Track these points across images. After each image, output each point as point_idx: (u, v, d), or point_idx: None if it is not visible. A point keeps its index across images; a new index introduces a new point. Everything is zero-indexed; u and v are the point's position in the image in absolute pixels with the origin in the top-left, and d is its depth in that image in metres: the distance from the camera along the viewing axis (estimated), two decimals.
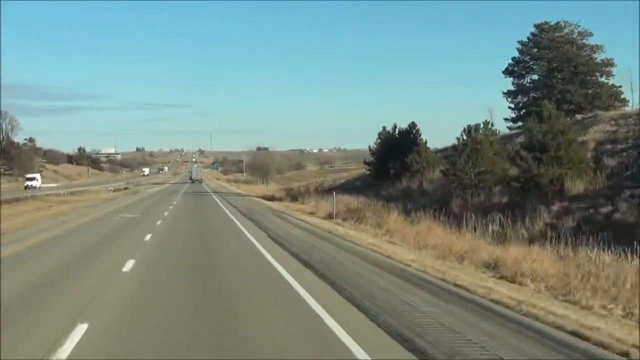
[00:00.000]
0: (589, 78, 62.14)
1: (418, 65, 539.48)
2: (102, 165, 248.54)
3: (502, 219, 28.49)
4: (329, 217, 36.34)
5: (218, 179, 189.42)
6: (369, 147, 62.31)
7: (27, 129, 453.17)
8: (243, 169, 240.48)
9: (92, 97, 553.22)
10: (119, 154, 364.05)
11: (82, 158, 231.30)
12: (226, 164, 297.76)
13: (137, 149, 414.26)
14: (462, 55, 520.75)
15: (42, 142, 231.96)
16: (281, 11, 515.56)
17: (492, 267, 16.91)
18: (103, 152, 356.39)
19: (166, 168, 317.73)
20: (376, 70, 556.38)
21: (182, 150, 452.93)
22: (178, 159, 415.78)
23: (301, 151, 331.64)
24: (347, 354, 8.48)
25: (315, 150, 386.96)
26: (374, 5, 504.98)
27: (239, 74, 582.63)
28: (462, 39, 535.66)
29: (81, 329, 9.76)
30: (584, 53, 63.73)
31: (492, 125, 43.23)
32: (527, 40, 66.41)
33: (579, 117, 51.56)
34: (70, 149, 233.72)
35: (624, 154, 37.72)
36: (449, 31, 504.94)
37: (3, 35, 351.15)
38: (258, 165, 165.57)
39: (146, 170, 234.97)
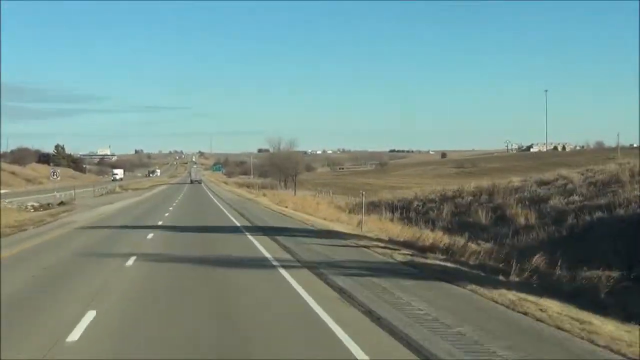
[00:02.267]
0: None
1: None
2: (85, 166, 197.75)
3: None
4: None
5: (225, 183, 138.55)
6: None
7: (25, 132, 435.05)
8: (251, 171, 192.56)
9: (91, 99, 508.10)
10: (114, 155, 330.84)
11: (59, 158, 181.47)
12: (228, 165, 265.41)
13: (136, 151, 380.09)
14: None
15: (40, 145, 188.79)
16: (281, 11, 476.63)
17: None
18: (98, 153, 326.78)
19: (158, 170, 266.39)
20: (380, 71, 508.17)
21: (181, 152, 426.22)
22: (176, 161, 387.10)
23: (304, 152, 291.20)
24: None
25: (319, 152, 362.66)
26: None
27: (239, 76, 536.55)
28: None
29: None
30: None
31: None
32: None
33: None
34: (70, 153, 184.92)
35: None
36: None
37: (2, 36, 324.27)
38: (280, 165, 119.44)
39: (118, 173, 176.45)
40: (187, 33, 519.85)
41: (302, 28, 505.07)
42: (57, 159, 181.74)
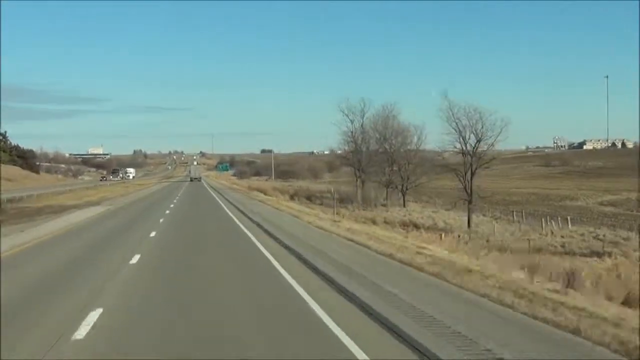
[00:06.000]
0: None
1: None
2: (39, 164, 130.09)
3: None
4: None
5: (264, 193, 64.37)
6: None
7: (27, 133, 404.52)
8: (272, 171, 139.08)
9: (93, 101, 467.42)
10: (108, 154, 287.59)
11: None
12: (235, 164, 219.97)
13: (135, 152, 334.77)
14: None
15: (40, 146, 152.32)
16: (281, 11, 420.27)
17: None
18: (90, 152, 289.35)
19: (132, 170, 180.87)
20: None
21: (181, 152, 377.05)
22: (174, 161, 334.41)
23: (311, 153, 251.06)
24: None
25: (327, 152, 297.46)
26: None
27: (241, 76, 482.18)
28: None
29: None
30: None
31: None
32: None
33: None
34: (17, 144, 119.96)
35: None
36: None
37: (3, 37, 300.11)
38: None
39: None
40: (188, 34, 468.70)
41: (301, 27, 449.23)
42: None
